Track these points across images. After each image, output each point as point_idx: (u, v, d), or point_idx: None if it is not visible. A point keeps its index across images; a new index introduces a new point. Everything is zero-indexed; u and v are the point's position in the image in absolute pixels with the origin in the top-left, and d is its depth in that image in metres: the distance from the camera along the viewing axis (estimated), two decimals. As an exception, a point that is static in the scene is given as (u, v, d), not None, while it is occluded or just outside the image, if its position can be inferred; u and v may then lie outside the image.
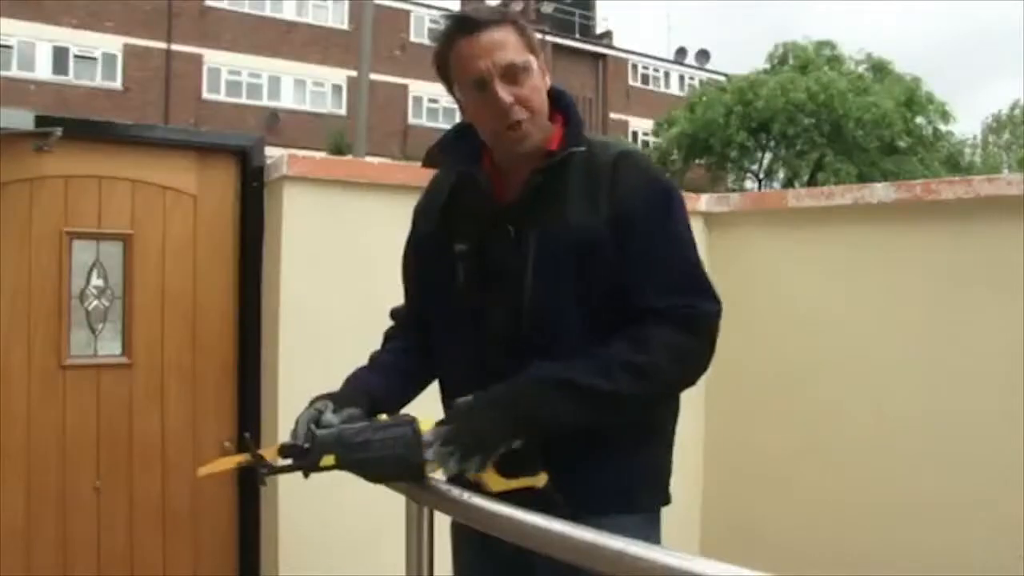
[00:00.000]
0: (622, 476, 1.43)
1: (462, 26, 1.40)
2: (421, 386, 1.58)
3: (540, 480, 1.32)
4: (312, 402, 1.38)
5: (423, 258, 1.57)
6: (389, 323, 1.66)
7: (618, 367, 1.32)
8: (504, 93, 1.39)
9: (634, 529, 1.28)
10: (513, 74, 1.39)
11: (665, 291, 1.38)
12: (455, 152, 1.52)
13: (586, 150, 1.44)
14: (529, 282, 1.41)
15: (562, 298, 1.41)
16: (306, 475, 1.26)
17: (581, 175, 1.43)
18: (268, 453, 1.27)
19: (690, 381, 1.42)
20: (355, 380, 1.50)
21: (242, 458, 1.28)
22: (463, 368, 1.47)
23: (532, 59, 1.42)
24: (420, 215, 1.61)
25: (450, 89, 1.48)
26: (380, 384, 1.49)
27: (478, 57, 1.39)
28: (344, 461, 1.25)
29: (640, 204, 1.41)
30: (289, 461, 1.27)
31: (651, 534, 1.46)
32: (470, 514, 1.26)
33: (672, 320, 1.36)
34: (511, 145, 1.43)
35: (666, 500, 1.51)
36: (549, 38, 24.04)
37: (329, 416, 1.31)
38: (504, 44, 1.39)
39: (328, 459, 1.24)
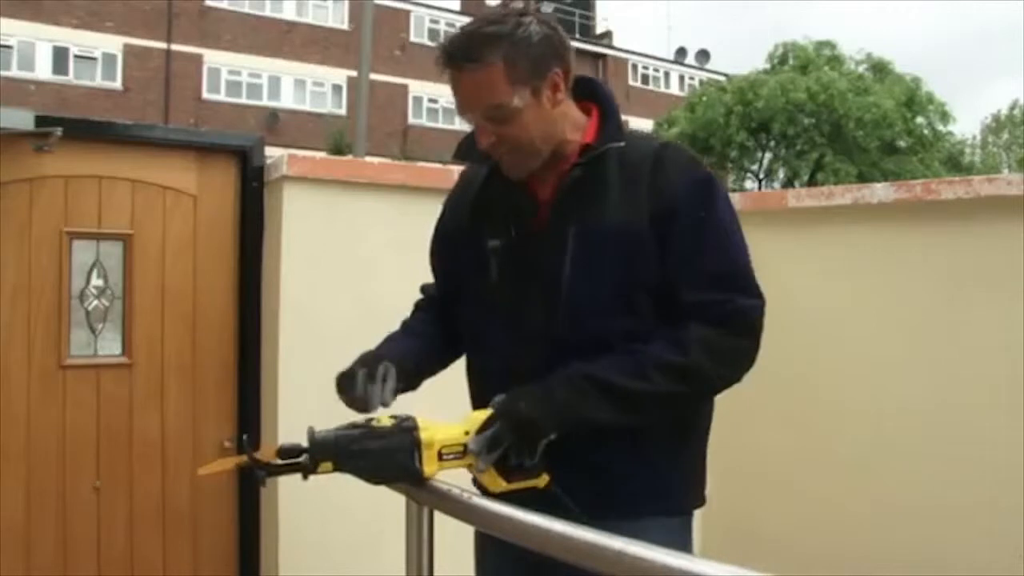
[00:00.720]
0: (662, 479, 1.42)
1: (448, 60, 1.36)
2: (446, 360, 1.58)
3: (541, 481, 1.32)
4: (364, 360, 1.39)
5: (454, 252, 1.56)
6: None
7: (654, 367, 1.32)
8: (485, 137, 1.38)
9: (672, 531, 1.37)
10: (498, 116, 1.36)
11: (705, 287, 1.36)
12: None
13: (625, 144, 1.42)
14: (567, 279, 1.39)
15: (601, 295, 1.38)
16: (305, 477, 1.26)
17: (619, 169, 1.40)
18: (267, 454, 1.26)
19: (734, 378, 1.40)
20: (394, 341, 1.51)
21: (241, 459, 1.28)
22: (498, 362, 1.46)
23: (522, 93, 1.35)
24: (450, 207, 1.60)
25: None
26: (417, 348, 1.50)
27: (461, 100, 1.38)
28: (341, 468, 1.25)
29: (682, 197, 1.38)
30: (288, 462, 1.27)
31: (686, 536, 1.46)
32: (470, 514, 1.26)
33: (711, 317, 1.35)
34: (504, 170, 1.44)
35: (702, 501, 1.50)
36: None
37: (391, 384, 1.35)
38: (487, 87, 1.34)
39: (326, 465, 1.24)
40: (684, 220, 1.37)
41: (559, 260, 1.39)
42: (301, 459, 1.25)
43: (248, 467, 1.27)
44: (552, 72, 1.38)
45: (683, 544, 1.42)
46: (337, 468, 1.25)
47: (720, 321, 1.34)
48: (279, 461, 1.26)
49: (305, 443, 1.25)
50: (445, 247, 1.59)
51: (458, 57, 1.34)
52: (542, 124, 1.38)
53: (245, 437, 1.30)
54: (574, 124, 1.44)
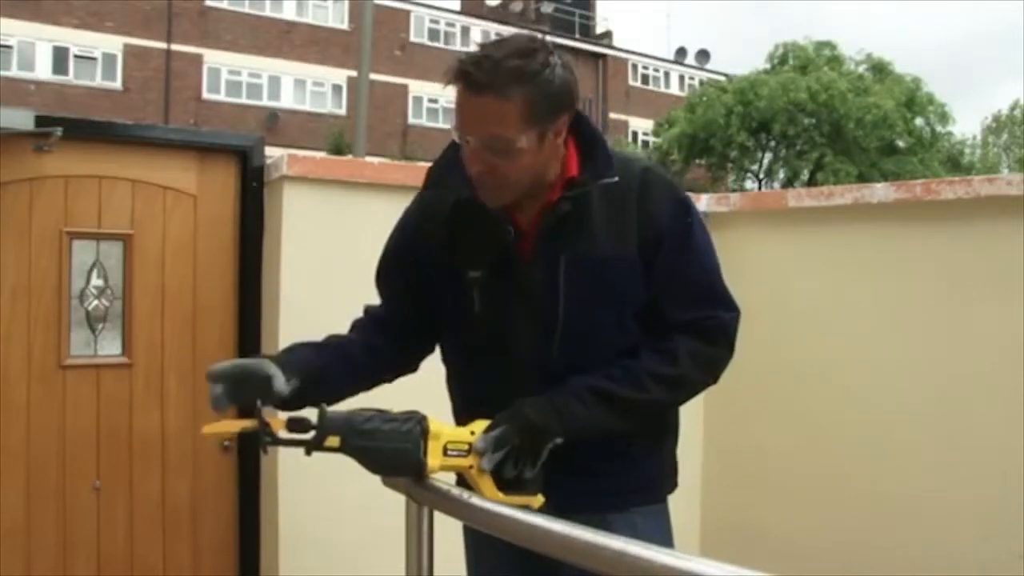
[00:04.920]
0: (645, 474, 1.51)
1: (467, 83, 1.30)
2: (364, 385, 1.51)
3: (536, 501, 1.33)
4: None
5: (419, 279, 1.50)
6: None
7: (649, 377, 1.39)
8: (478, 164, 1.33)
9: (656, 517, 1.50)
10: (499, 149, 1.31)
11: (690, 305, 1.44)
12: (459, 173, 1.41)
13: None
14: (562, 308, 1.40)
15: (596, 321, 1.42)
16: (308, 452, 1.26)
17: (603, 197, 1.42)
18: (275, 424, 1.26)
19: (713, 382, 1.49)
20: (295, 352, 1.42)
21: (248, 423, 1.27)
22: (489, 392, 1.45)
23: (530, 135, 1.31)
24: (411, 234, 1.53)
25: None
26: (317, 365, 1.40)
27: (467, 123, 1.32)
28: (347, 445, 1.25)
29: (666, 223, 1.43)
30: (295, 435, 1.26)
31: (667, 520, 1.55)
32: (470, 514, 1.26)
33: (696, 332, 1.43)
34: (481, 196, 1.38)
35: (675, 486, 1.60)
36: (549, 38, 24.03)
37: (280, 385, 1.29)
38: (499, 120, 1.29)
39: (333, 440, 1.25)
40: (669, 244, 1.43)
41: (552, 288, 1.40)
42: (308, 434, 1.25)
43: (253, 432, 1.26)
44: (562, 118, 1.35)
45: (666, 528, 1.53)
46: (343, 446, 1.25)
47: (704, 334, 1.44)
48: (286, 432, 1.26)
49: (315, 419, 1.26)
50: (407, 269, 1.52)
51: (480, 83, 1.28)
52: (537, 167, 1.36)
53: (258, 402, 1.29)
54: (558, 158, 1.41)
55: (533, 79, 1.29)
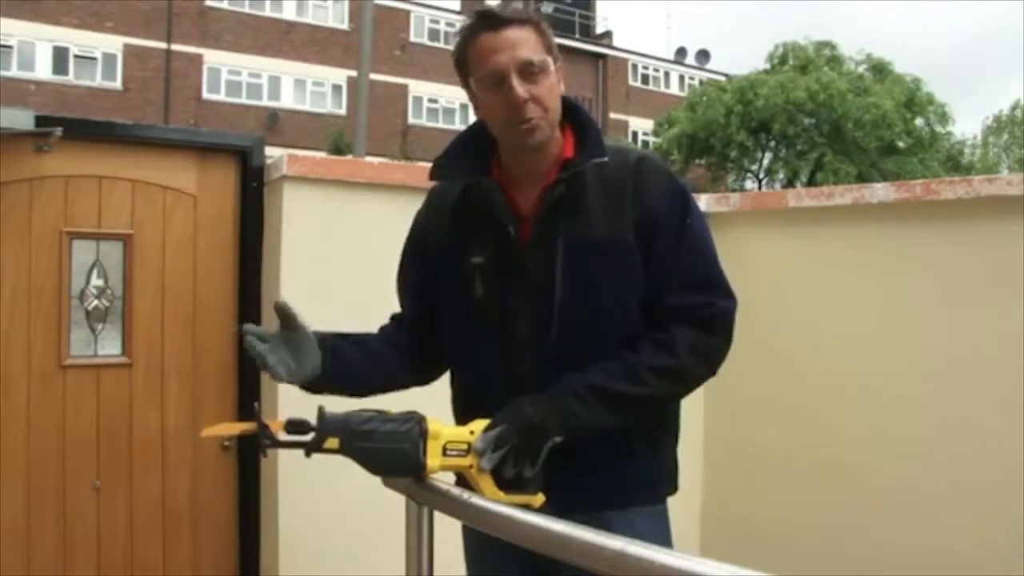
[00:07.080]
0: (645, 472, 1.50)
1: (485, 21, 1.42)
2: (382, 377, 1.53)
3: (537, 500, 1.33)
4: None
5: (432, 270, 1.55)
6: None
7: (647, 371, 1.39)
8: (520, 88, 1.39)
9: (656, 517, 1.49)
10: (530, 72, 1.40)
11: (685, 291, 1.43)
12: (461, 164, 1.50)
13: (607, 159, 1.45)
14: (559, 291, 1.42)
15: (593, 305, 1.42)
16: (307, 454, 1.26)
17: (599, 182, 1.44)
18: (274, 426, 1.27)
19: (712, 374, 1.47)
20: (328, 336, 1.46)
21: (247, 426, 1.28)
22: (489, 379, 1.47)
23: (550, 60, 1.42)
24: (423, 226, 1.59)
25: (466, 83, 1.48)
26: (342, 350, 1.45)
27: (498, 51, 1.40)
28: (346, 447, 1.25)
29: (662, 208, 1.44)
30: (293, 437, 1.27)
31: (667, 522, 1.55)
32: (470, 514, 1.26)
33: (692, 320, 1.42)
34: (522, 139, 1.43)
35: (675, 489, 1.58)
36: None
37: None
38: (524, 42, 1.40)
39: (332, 442, 1.25)
40: (666, 230, 1.44)
41: (549, 272, 1.42)
42: (307, 436, 1.26)
43: (251, 435, 1.27)
44: (558, 60, 1.45)
45: (666, 528, 1.53)
46: (342, 447, 1.25)
47: (702, 323, 1.43)
48: (285, 435, 1.26)
49: (314, 420, 1.26)
50: (420, 267, 1.58)
51: (502, 17, 1.41)
52: (558, 96, 1.44)
53: (257, 405, 1.30)
54: (559, 116, 1.48)
55: (536, 17, 1.45)
